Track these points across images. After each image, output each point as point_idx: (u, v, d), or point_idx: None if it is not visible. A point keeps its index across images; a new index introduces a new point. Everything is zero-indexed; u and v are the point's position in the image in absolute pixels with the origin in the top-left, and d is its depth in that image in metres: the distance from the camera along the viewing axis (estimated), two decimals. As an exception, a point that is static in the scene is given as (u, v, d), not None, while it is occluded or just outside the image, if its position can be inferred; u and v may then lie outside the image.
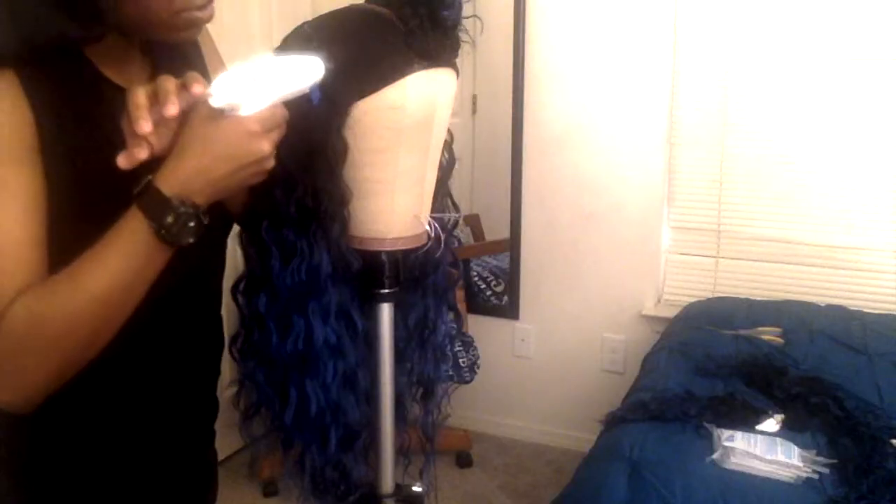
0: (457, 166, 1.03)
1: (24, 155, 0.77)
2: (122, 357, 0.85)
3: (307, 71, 0.79)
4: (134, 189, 0.75)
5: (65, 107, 0.80)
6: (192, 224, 0.76)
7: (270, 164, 0.79)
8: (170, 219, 0.75)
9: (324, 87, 0.82)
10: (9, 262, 0.76)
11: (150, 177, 0.75)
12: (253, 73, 0.76)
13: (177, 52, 0.93)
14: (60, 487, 0.91)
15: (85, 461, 0.92)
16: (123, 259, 0.76)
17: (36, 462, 0.90)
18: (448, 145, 1.00)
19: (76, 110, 0.81)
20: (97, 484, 0.93)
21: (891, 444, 1.65)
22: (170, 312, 0.91)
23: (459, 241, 1.08)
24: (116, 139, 0.74)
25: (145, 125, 0.71)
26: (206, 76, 0.95)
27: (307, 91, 0.80)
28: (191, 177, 0.76)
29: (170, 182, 0.75)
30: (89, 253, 0.76)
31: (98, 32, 0.79)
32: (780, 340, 2.19)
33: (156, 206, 0.75)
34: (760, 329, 2.25)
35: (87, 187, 0.79)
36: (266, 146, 0.77)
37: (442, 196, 1.02)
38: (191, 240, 0.77)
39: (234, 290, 0.94)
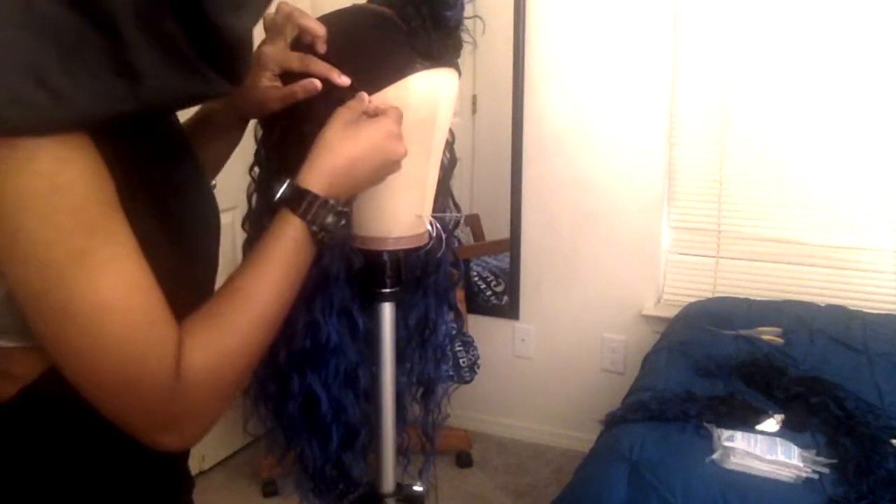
0: (457, 166, 1.04)
1: (116, 202, 0.66)
2: None
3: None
4: (274, 196, 0.76)
5: (123, 157, 0.68)
6: (343, 222, 0.78)
7: (402, 162, 0.83)
8: (330, 219, 0.76)
9: (327, 85, 0.82)
10: (156, 317, 0.67)
11: (288, 180, 0.76)
12: None
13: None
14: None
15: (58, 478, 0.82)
16: (283, 268, 0.75)
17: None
18: (449, 145, 1.00)
19: (133, 157, 0.70)
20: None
21: (891, 444, 1.65)
22: None
23: (459, 241, 1.08)
24: (173, 196, 0.73)
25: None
26: None
27: None
28: (336, 175, 0.78)
29: (320, 182, 0.77)
30: (246, 268, 0.74)
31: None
32: (780, 340, 2.19)
33: (314, 209, 0.75)
34: (760, 329, 2.25)
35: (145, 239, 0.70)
36: (402, 147, 0.81)
37: (443, 196, 1.03)
38: (337, 232, 0.78)
39: None
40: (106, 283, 0.64)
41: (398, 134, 0.80)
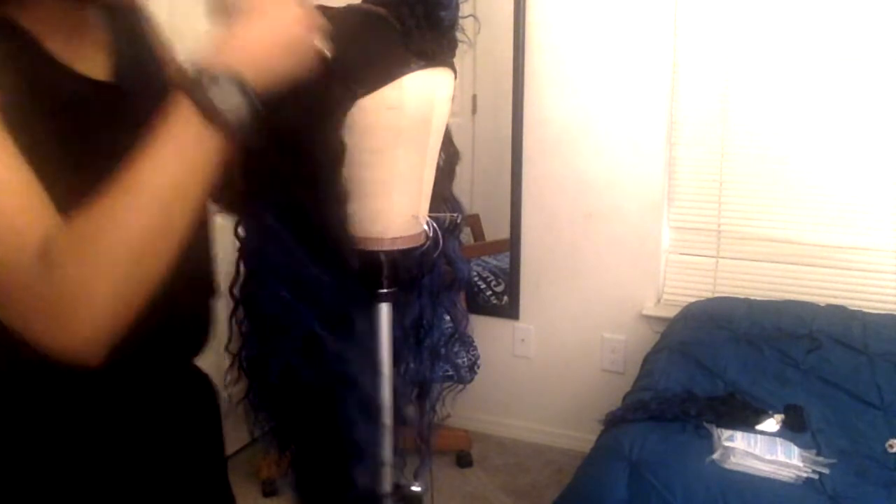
0: (457, 166, 1.04)
1: None
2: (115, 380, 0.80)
3: None
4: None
5: (16, 91, 0.70)
6: (238, 98, 0.70)
7: (310, 54, 0.76)
8: (212, 86, 0.69)
9: (321, 85, 0.82)
10: (27, 200, 0.68)
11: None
12: None
13: (132, 23, 0.89)
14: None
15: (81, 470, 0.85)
16: (171, 150, 0.69)
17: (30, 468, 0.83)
18: (449, 142, 1.00)
19: (32, 97, 0.71)
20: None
21: (891, 444, 1.65)
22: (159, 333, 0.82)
23: (460, 241, 1.08)
24: (85, 153, 0.71)
25: None
26: (155, 49, 0.92)
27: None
28: (234, 50, 0.72)
29: (209, 59, 0.71)
30: (132, 159, 0.68)
31: None
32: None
33: (196, 80, 0.69)
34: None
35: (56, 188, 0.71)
36: (299, 10, 0.75)
37: (445, 196, 1.03)
38: (239, 118, 0.70)
39: (232, 288, 0.94)
40: None
41: (301, 13, 0.75)
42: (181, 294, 0.76)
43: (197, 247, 0.81)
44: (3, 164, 0.67)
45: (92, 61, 0.81)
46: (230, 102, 0.69)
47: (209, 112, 0.69)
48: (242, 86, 0.70)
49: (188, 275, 0.76)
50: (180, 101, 0.69)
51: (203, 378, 1.00)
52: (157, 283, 0.70)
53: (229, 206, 0.94)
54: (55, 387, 0.79)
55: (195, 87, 0.69)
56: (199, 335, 0.95)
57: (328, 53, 0.79)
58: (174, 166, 0.69)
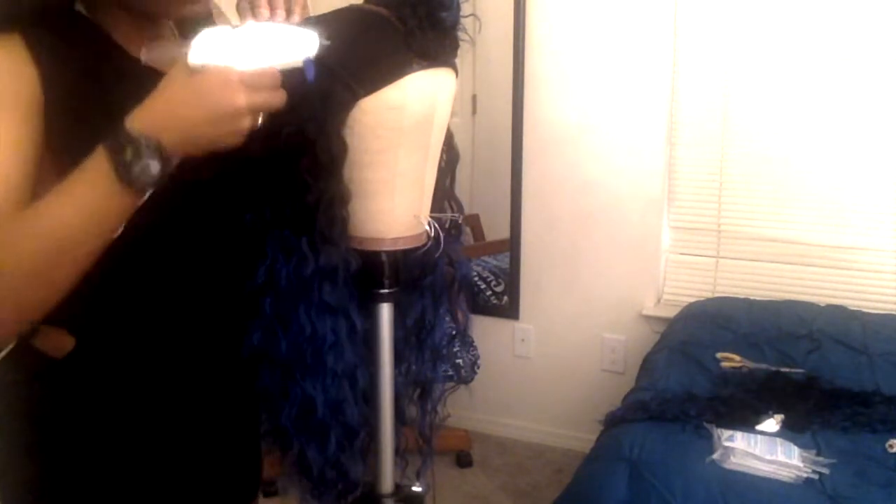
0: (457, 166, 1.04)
1: (19, 106, 0.77)
2: (150, 359, 0.87)
3: (301, 43, 0.76)
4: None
5: (74, 69, 0.80)
6: (153, 166, 0.72)
7: (246, 123, 0.75)
8: (129, 154, 0.71)
9: (323, 85, 0.82)
10: None
11: (124, 120, 0.73)
12: (240, 36, 0.73)
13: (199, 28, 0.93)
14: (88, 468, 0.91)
15: (116, 445, 0.92)
16: (80, 196, 0.74)
17: (63, 441, 0.90)
18: (450, 142, 1.00)
19: (86, 74, 0.81)
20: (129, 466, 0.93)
21: (891, 444, 1.65)
22: (195, 315, 0.92)
23: (461, 241, 1.08)
24: (126, 105, 0.74)
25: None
26: None
27: (300, 65, 0.77)
28: (159, 118, 0.73)
29: (137, 121, 0.73)
30: (53, 190, 0.74)
31: None
32: (741, 365, 2.08)
33: (118, 142, 0.72)
34: (722, 355, 2.13)
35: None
36: (240, 100, 0.73)
37: (446, 196, 1.03)
38: (150, 186, 0.74)
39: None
40: None
41: (235, 84, 0.72)
42: None
43: None
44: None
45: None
46: (146, 169, 0.72)
47: (123, 176, 0.72)
48: (161, 153, 0.73)
49: None
50: (100, 156, 0.73)
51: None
52: (52, 303, 0.77)
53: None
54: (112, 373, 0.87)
55: (115, 148, 0.72)
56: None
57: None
58: (78, 211, 0.74)
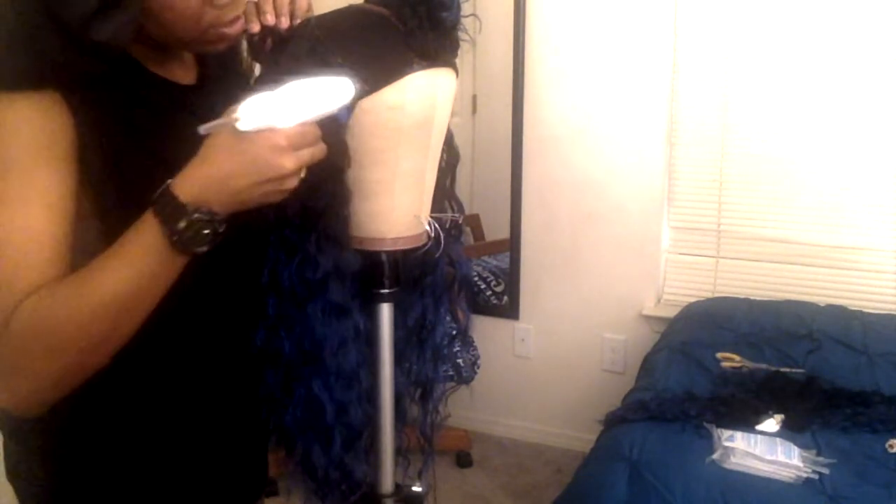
0: (457, 166, 1.04)
1: (57, 159, 0.76)
2: (160, 358, 0.88)
3: (337, 92, 0.78)
4: (152, 194, 0.75)
5: (110, 115, 0.80)
6: (206, 232, 0.75)
7: (293, 183, 0.77)
8: (182, 224, 0.73)
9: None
10: (24, 258, 0.74)
11: (168, 181, 0.75)
12: (282, 96, 0.75)
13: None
14: (97, 482, 0.91)
15: (126, 457, 0.92)
16: (134, 264, 0.75)
17: (73, 458, 0.90)
18: (450, 142, 1.00)
19: (122, 115, 0.81)
20: (141, 479, 0.93)
21: (891, 444, 1.65)
22: (205, 315, 0.92)
23: (461, 241, 1.08)
24: (163, 148, 0.77)
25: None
26: (244, 75, 0.98)
27: (335, 112, 0.80)
28: (209, 184, 0.74)
29: (186, 187, 0.74)
30: (102, 256, 0.75)
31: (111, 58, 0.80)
32: (740, 365, 2.09)
33: (170, 211, 0.74)
34: (721, 355, 2.14)
35: (132, 194, 0.78)
36: (289, 163, 0.75)
37: (446, 196, 1.03)
38: (204, 248, 0.75)
39: None
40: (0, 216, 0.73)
41: (283, 148, 0.74)
42: None
43: None
44: (34, 217, 0.75)
45: (181, 72, 0.90)
46: (198, 235, 0.75)
47: (177, 244, 0.74)
48: (211, 218, 0.75)
49: None
50: (151, 224, 0.74)
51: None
52: (99, 367, 0.78)
53: None
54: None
55: (167, 218, 0.74)
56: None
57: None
58: (133, 277, 0.75)
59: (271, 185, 0.76)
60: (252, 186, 0.75)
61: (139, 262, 0.75)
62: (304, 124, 0.76)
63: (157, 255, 0.75)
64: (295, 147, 0.75)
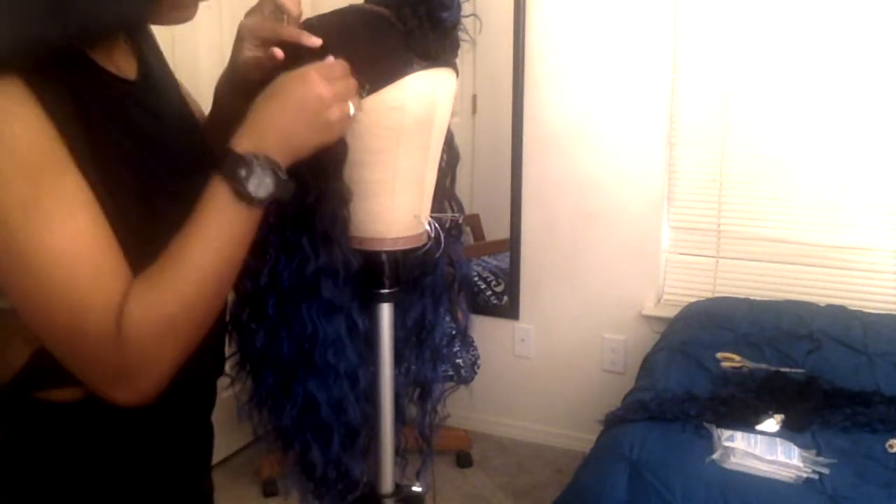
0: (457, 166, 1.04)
1: (68, 162, 0.73)
2: None
3: None
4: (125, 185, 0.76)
5: (77, 109, 0.76)
6: (268, 179, 0.77)
7: (336, 113, 0.80)
8: (243, 172, 0.75)
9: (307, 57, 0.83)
10: (95, 269, 0.73)
11: (228, 145, 0.77)
12: None
13: (149, 40, 0.95)
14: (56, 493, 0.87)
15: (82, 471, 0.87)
16: (213, 229, 0.76)
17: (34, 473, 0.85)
18: (451, 142, 1.00)
19: (88, 110, 0.78)
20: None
21: (891, 444, 1.65)
22: None
23: (461, 241, 1.08)
24: (130, 129, 0.77)
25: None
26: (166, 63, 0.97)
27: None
28: (259, 133, 0.78)
29: (241, 141, 0.78)
30: (180, 234, 0.76)
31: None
32: (740, 365, 2.09)
33: (230, 165, 0.76)
34: (721, 355, 2.14)
35: (121, 185, 0.77)
36: (324, 90, 0.78)
37: (446, 196, 1.03)
38: (269, 196, 0.77)
39: (237, 286, 0.94)
40: (52, 231, 0.70)
41: (315, 78, 0.79)
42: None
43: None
44: (84, 222, 0.72)
45: (126, 65, 0.88)
46: (263, 185, 0.77)
47: (245, 197, 0.76)
48: (273, 168, 0.78)
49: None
50: (219, 186, 0.76)
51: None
52: (206, 333, 0.80)
53: None
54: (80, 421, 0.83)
55: (231, 174, 0.76)
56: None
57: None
58: (219, 242, 0.77)
59: (316, 119, 0.79)
60: (298, 124, 0.79)
61: (217, 227, 0.77)
62: (326, 60, 0.80)
63: (230, 213, 0.77)
64: (325, 77, 0.79)
